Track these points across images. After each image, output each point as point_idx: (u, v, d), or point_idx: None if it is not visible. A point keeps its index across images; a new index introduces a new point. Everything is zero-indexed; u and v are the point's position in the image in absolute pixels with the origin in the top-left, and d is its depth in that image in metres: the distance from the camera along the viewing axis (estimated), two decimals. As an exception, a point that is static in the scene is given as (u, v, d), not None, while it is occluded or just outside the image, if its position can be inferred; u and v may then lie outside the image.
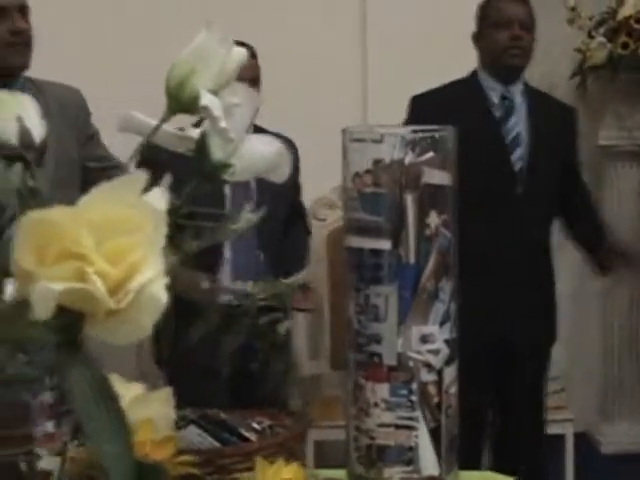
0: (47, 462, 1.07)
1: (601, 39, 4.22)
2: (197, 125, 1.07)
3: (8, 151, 0.97)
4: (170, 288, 0.73)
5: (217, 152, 1.04)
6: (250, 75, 3.04)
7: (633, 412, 4.38)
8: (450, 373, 1.58)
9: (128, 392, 1.21)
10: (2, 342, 0.80)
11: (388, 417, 1.55)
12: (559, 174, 3.21)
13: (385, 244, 1.54)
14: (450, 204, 1.57)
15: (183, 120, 1.08)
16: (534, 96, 3.26)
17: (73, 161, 2.84)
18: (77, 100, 2.98)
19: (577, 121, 3.36)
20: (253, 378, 2.96)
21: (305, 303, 3.28)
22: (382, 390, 1.55)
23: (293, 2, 4.04)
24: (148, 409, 1.22)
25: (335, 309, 3.68)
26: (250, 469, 1.30)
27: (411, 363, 1.55)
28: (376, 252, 1.55)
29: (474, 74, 3.25)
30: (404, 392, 1.55)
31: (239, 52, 1.06)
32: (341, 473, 1.61)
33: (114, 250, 0.72)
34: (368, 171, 1.54)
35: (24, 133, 0.99)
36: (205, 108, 1.02)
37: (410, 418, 1.55)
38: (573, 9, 4.23)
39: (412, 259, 1.54)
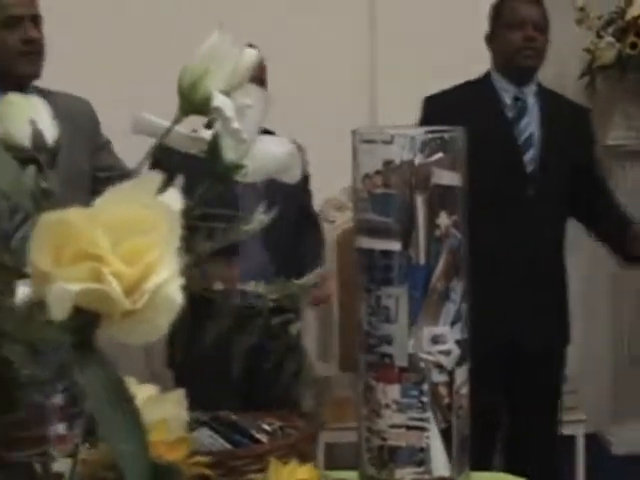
0: (59, 464, 1.08)
1: (610, 39, 4.21)
2: (209, 126, 1.07)
3: (21, 153, 0.97)
4: (185, 289, 0.73)
5: (229, 153, 1.04)
6: (256, 76, 3.04)
7: (644, 413, 4.38)
8: (461, 374, 1.58)
9: (140, 393, 1.21)
10: (17, 343, 0.80)
11: (399, 418, 1.55)
12: (571, 174, 3.17)
13: (395, 245, 1.54)
14: (460, 205, 1.57)
15: (194, 122, 1.09)
16: (547, 97, 3.23)
17: (83, 173, 2.84)
18: (87, 111, 2.99)
19: (591, 121, 3.33)
20: (265, 379, 2.96)
21: (320, 291, 3.24)
22: (393, 391, 1.55)
23: (301, 3, 4.04)
24: (161, 410, 1.22)
25: (345, 310, 3.68)
26: (261, 471, 1.30)
27: (422, 364, 1.55)
28: (386, 253, 1.55)
29: (487, 75, 3.23)
30: (415, 393, 1.55)
31: (251, 53, 1.06)
32: (352, 475, 1.61)
33: (130, 250, 0.72)
34: (378, 172, 1.54)
35: (37, 135, 0.99)
36: (217, 109, 1.02)
37: (421, 419, 1.55)
38: (582, 9, 4.23)
39: (422, 260, 1.54)
